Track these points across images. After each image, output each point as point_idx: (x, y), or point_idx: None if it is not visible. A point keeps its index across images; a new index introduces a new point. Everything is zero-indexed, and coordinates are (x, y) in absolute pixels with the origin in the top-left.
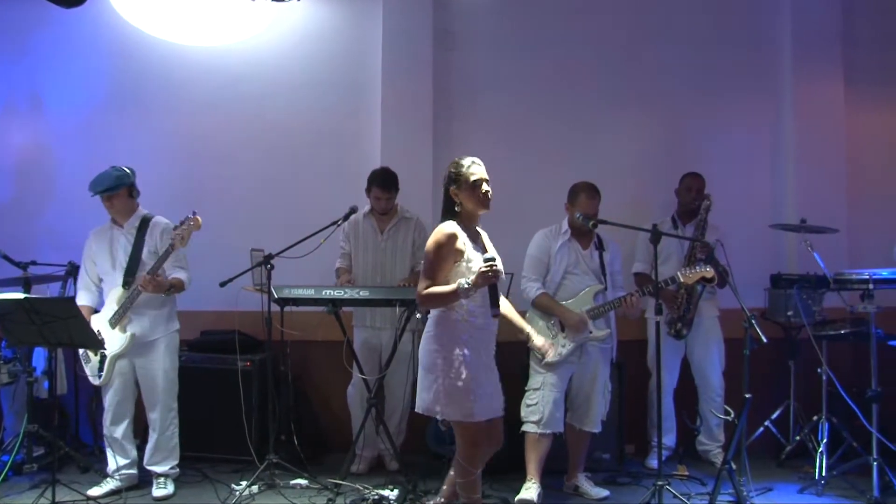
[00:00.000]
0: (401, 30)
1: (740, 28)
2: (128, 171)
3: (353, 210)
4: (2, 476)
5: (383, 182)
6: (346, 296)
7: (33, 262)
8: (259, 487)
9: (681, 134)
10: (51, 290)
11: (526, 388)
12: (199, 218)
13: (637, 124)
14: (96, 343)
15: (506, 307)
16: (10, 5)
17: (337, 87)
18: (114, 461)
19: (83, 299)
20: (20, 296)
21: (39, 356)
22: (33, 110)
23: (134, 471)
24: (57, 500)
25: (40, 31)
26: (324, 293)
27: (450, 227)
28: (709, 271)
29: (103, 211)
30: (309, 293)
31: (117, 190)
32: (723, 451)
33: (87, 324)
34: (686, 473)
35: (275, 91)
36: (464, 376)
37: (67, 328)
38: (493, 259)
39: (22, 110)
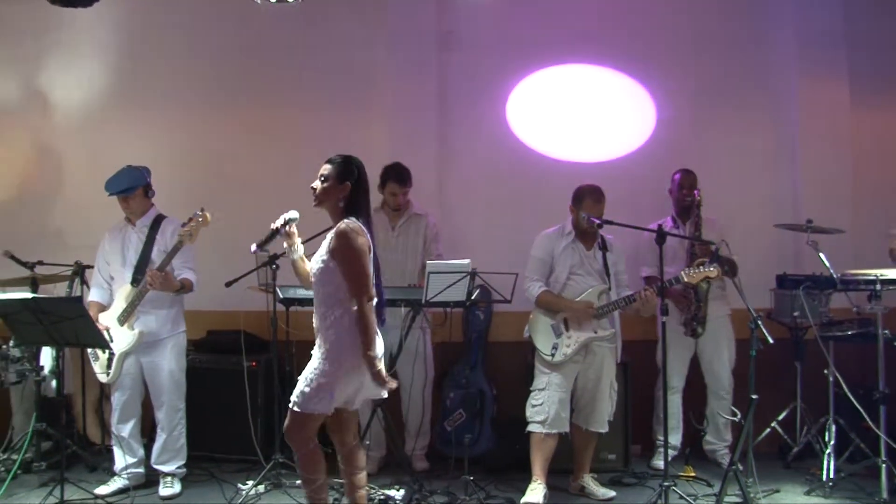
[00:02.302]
0: (405, 31)
1: (744, 29)
2: (143, 170)
3: None
4: (11, 474)
5: (399, 177)
6: None
7: (40, 262)
8: (265, 487)
9: (684, 134)
10: (57, 290)
11: (531, 389)
12: (207, 214)
13: (639, 124)
14: (103, 343)
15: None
16: (16, 6)
17: (342, 87)
18: (122, 459)
19: (95, 296)
20: (27, 295)
21: (47, 355)
22: (40, 111)
23: (141, 469)
24: (65, 498)
25: (46, 32)
26: None
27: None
28: (712, 271)
29: (110, 211)
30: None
31: (133, 191)
32: (729, 452)
33: (93, 323)
34: (693, 474)
35: (280, 90)
36: None
37: (74, 328)
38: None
39: (29, 111)
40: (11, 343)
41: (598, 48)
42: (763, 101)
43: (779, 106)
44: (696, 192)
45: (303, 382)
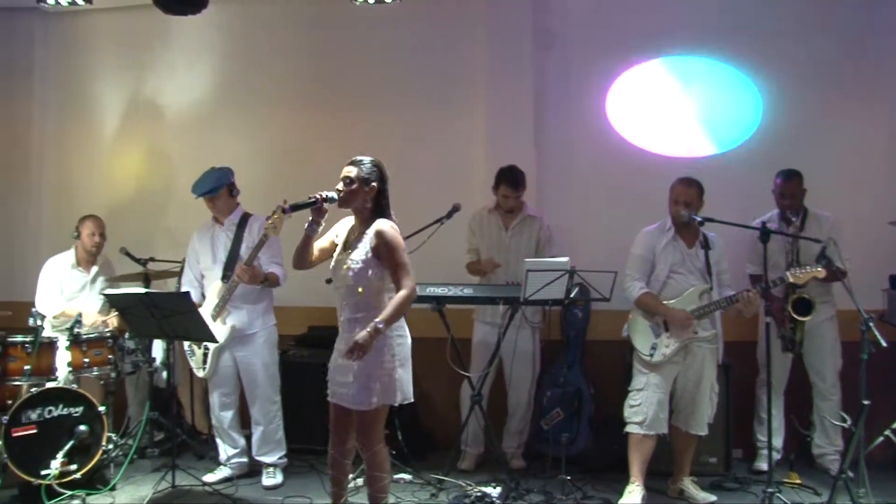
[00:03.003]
0: (502, 29)
1: (856, 14)
2: (226, 170)
3: (457, 208)
4: (129, 458)
5: (512, 180)
6: (449, 293)
7: (152, 259)
8: (364, 480)
9: (792, 125)
10: (168, 286)
11: (629, 388)
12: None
13: (745, 116)
14: (211, 336)
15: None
16: (128, 16)
17: (439, 86)
18: (224, 450)
19: None
20: (141, 290)
21: (158, 348)
22: (151, 116)
23: (244, 459)
24: (176, 483)
25: (155, 39)
26: (427, 290)
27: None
28: (820, 271)
29: None
30: None
31: (218, 191)
32: (840, 458)
33: (202, 318)
34: (798, 481)
35: (377, 90)
36: None
37: (184, 322)
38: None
39: (141, 115)
40: (127, 335)
41: (700, 38)
42: (876, 91)
43: (892, 96)
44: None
45: (366, 381)
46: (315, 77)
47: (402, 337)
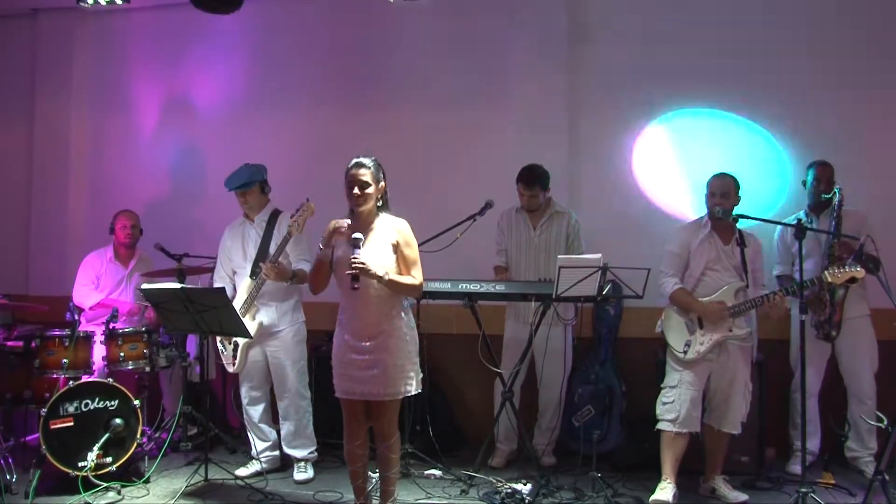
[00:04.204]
0: (535, 23)
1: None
2: (260, 167)
3: (489, 204)
4: (162, 451)
5: (526, 178)
6: (481, 290)
7: (186, 255)
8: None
9: (827, 121)
10: (202, 281)
11: (662, 386)
12: (311, 204)
13: (774, 113)
14: (244, 332)
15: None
16: (167, 15)
17: (472, 83)
18: (254, 445)
19: None
20: (177, 285)
21: (192, 343)
22: (186, 113)
23: (276, 453)
24: (209, 477)
25: (191, 37)
26: (460, 287)
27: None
28: (859, 271)
29: None
30: (445, 287)
31: (251, 186)
32: (874, 460)
33: (236, 313)
34: (832, 482)
35: (408, 87)
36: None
37: (219, 317)
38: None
39: (176, 114)
40: (162, 330)
41: (732, 40)
42: None
43: None
44: (837, 189)
45: (398, 371)
46: (348, 74)
47: (415, 331)
